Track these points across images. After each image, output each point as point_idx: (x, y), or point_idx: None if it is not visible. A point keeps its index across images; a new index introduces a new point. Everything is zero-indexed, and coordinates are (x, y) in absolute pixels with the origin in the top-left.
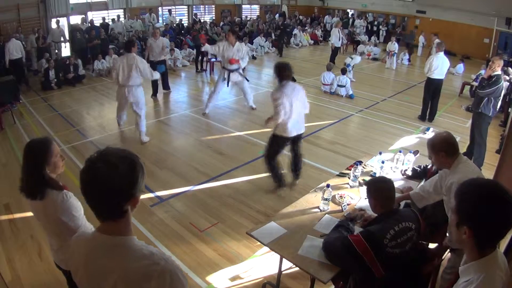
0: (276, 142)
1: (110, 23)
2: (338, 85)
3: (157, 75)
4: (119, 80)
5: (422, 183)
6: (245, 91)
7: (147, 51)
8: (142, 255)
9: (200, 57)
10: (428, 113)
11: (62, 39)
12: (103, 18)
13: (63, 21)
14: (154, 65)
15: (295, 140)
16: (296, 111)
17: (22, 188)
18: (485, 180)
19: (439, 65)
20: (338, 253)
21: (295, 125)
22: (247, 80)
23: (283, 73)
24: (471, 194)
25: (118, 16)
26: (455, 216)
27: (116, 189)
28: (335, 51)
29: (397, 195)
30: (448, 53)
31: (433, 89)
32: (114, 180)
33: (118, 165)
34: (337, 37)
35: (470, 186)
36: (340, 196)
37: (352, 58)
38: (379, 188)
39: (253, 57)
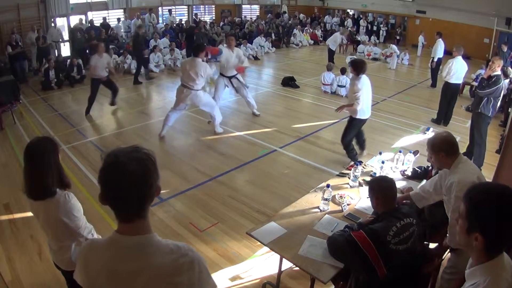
0: (357, 125)
1: (114, 23)
2: (338, 85)
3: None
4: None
5: (423, 183)
6: (245, 97)
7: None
8: (170, 250)
9: None
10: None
11: (60, 39)
12: (104, 18)
13: (63, 21)
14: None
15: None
16: (369, 98)
17: (32, 191)
18: (497, 185)
19: (458, 70)
20: (342, 248)
21: (369, 109)
22: (247, 87)
23: (361, 68)
24: (484, 202)
25: (126, 17)
26: (465, 222)
27: (145, 187)
28: (330, 51)
29: (398, 195)
30: (448, 53)
31: (450, 93)
32: (143, 177)
33: (144, 159)
34: (336, 42)
35: (483, 193)
36: (340, 196)
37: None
38: (381, 187)
39: (255, 58)
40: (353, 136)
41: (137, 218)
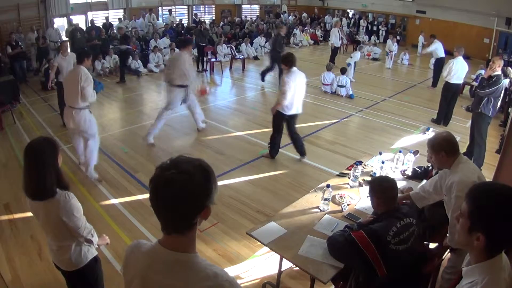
0: (277, 119)
1: (116, 23)
2: (338, 85)
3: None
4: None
5: (423, 183)
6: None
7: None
8: (206, 276)
9: (201, 57)
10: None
11: (58, 39)
12: (106, 18)
13: (63, 21)
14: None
15: (291, 119)
16: (297, 94)
17: (32, 191)
18: (501, 185)
19: (458, 70)
20: (342, 248)
21: (293, 106)
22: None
23: (291, 61)
24: (489, 202)
25: (124, 17)
26: (467, 221)
27: (191, 198)
28: (335, 51)
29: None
30: (449, 53)
31: (451, 93)
32: (189, 189)
33: (194, 173)
34: (337, 37)
35: (487, 192)
36: (340, 196)
37: (351, 57)
38: (382, 187)
39: (255, 58)
40: (276, 131)
41: (175, 233)
